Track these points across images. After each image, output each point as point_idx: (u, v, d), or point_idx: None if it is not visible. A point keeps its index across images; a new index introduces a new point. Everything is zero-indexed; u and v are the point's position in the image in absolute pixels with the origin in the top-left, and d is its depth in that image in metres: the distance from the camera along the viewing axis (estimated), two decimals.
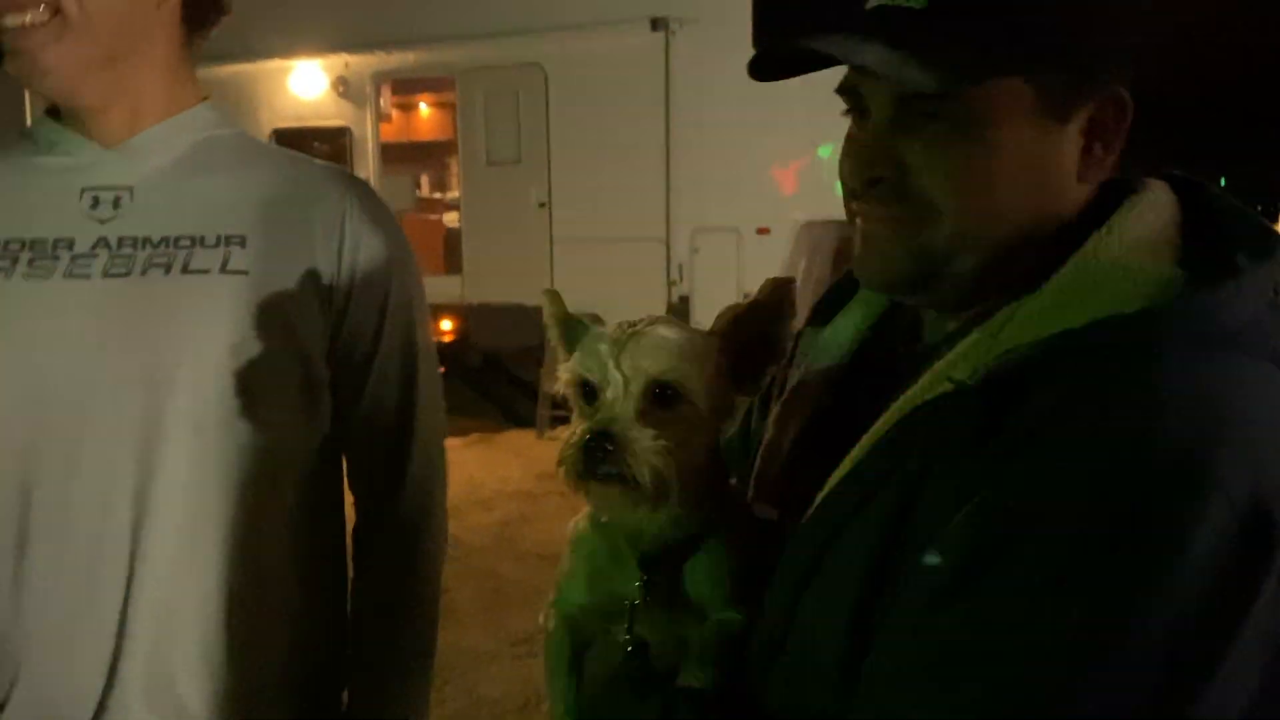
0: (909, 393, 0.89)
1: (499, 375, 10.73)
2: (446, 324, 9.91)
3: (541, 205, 9.14)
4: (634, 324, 0.99)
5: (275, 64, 9.85)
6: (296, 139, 9.94)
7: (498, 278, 9.40)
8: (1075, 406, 0.78)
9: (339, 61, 9.69)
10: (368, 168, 9.72)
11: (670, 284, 8.83)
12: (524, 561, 5.68)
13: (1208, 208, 0.90)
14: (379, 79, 9.70)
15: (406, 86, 10.94)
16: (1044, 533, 0.75)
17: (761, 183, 8.53)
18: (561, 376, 1.01)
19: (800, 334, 1.17)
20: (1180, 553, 0.71)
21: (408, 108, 12.82)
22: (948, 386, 0.85)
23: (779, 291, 1.02)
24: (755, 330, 1.03)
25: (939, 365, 0.89)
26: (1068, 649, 0.71)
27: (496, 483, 7.35)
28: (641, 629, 1.04)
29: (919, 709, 0.76)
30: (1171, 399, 0.76)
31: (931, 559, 0.79)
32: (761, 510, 1.09)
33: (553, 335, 1.07)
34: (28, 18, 1.17)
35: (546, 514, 6.51)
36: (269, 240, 1.32)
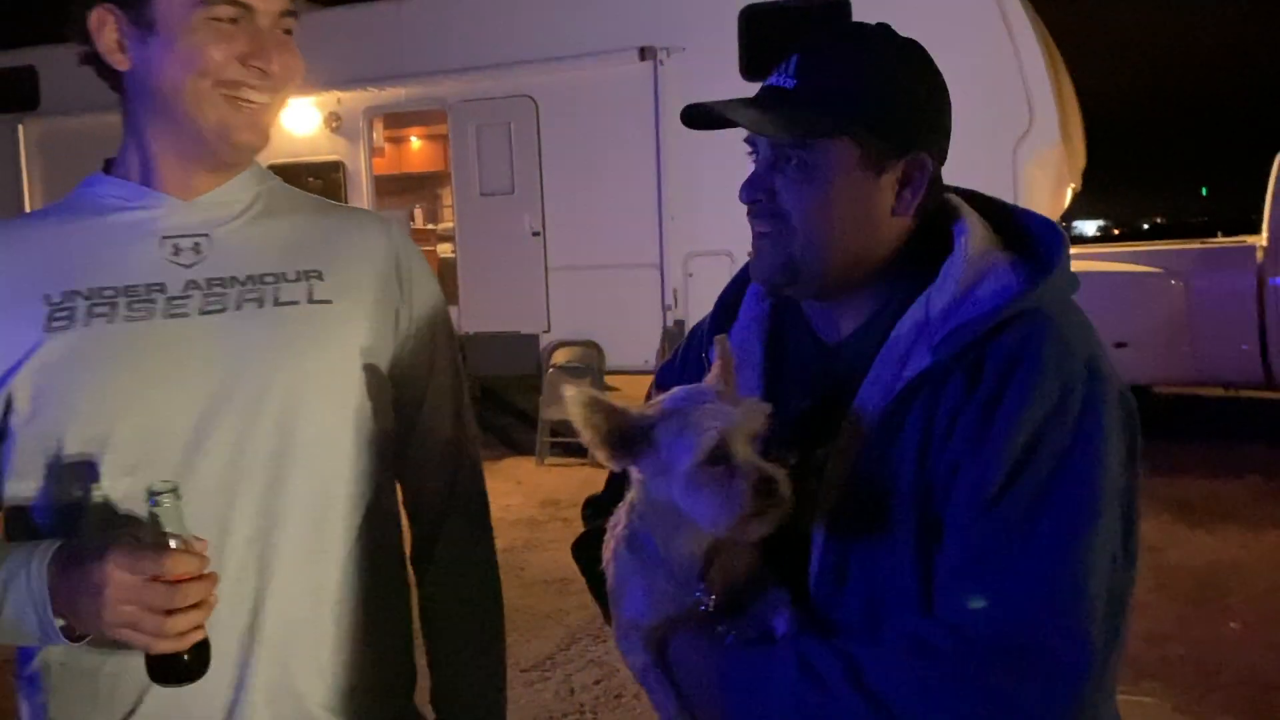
0: (877, 377, 1.24)
1: (497, 404, 10.79)
2: None
3: (535, 234, 9.22)
4: (701, 400, 1.22)
5: None
6: (291, 174, 9.91)
7: (493, 307, 9.46)
8: (1020, 367, 1.17)
9: (331, 98, 9.77)
10: (362, 200, 9.80)
11: (665, 309, 8.91)
12: (530, 589, 5.70)
13: (990, 210, 1.35)
14: (371, 114, 9.80)
15: (398, 120, 11.03)
16: (1049, 445, 1.14)
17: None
18: (701, 449, 1.19)
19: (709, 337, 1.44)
20: (1109, 442, 1.16)
21: (399, 140, 12.93)
22: (934, 364, 1.20)
23: (728, 346, 1.32)
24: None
25: (889, 353, 1.25)
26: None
27: (499, 511, 7.26)
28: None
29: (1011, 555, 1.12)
30: (1070, 345, 1.19)
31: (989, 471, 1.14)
32: None
33: (587, 427, 1.22)
34: (266, 98, 1.36)
35: (549, 541, 6.54)
36: (340, 274, 1.43)
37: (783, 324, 1.42)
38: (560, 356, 9.15)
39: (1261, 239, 8.28)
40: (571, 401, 1.20)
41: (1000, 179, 7.28)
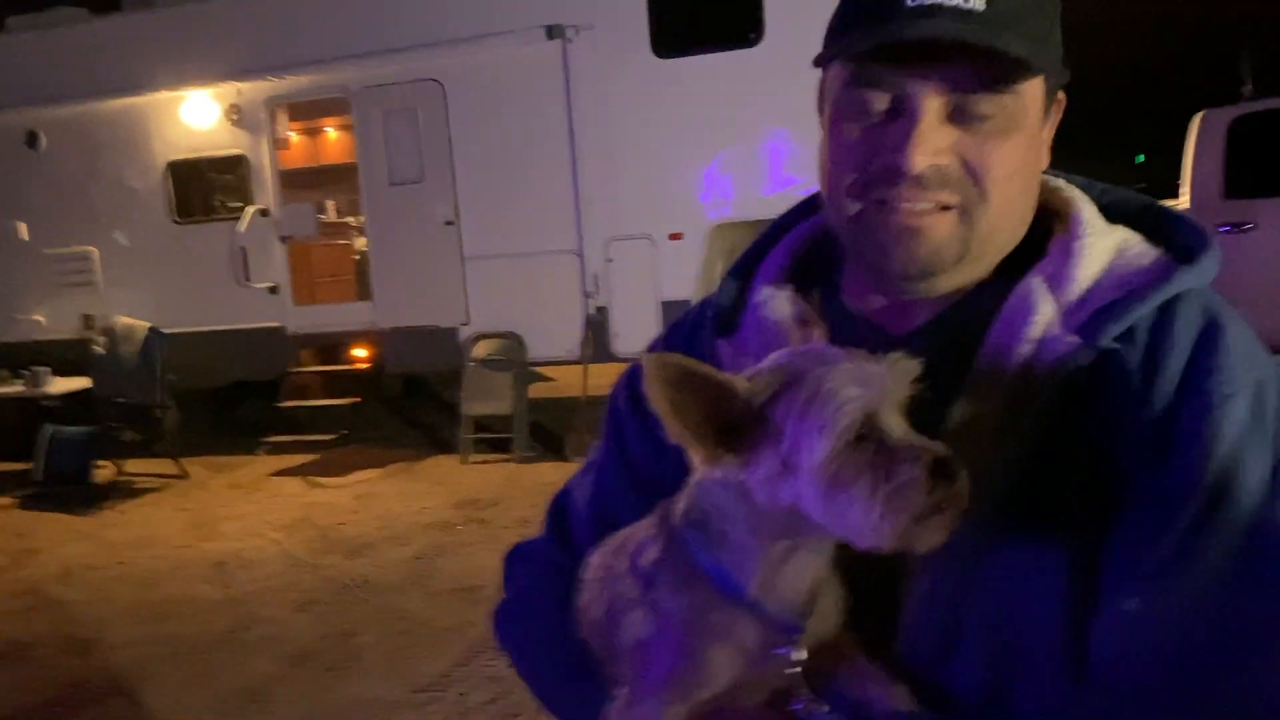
0: (994, 354, 0.99)
1: (423, 400, 10.47)
2: (361, 351, 9.62)
3: (449, 224, 8.89)
4: (829, 361, 0.90)
5: (166, 95, 9.51)
6: (192, 170, 9.62)
7: (409, 301, 9.14)
8: (1204, 360, 0.94)
9: (230, 89, 9.36)
10: (267, 195, 9.41)
11: (586, 296, 8.64)
12: (436, 599, 5.43)
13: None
14: (272, 104, 9.39)
15: (308, 110, 10.63)
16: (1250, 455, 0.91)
17: (671, 188, 8.37)
18: (841, 426, 0.86)
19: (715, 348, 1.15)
20: None
21: (314, 132, 12.50)
22: (1085, 349, 0.95)
23: None
24: None
25: (1004, 327, 1.00)
26: None
27: (413, 515, 7.09)
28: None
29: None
30: (1252, 339, 0.98)
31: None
32: None
33: (664, 404, 0.88)
34: None
35: (464, 545, 6.26)
36: None
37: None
38: (481, 349, 8.84)
39: (1180, 203, 8.17)
40: (651, 371, 0.86)
41: None
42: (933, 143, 0.96)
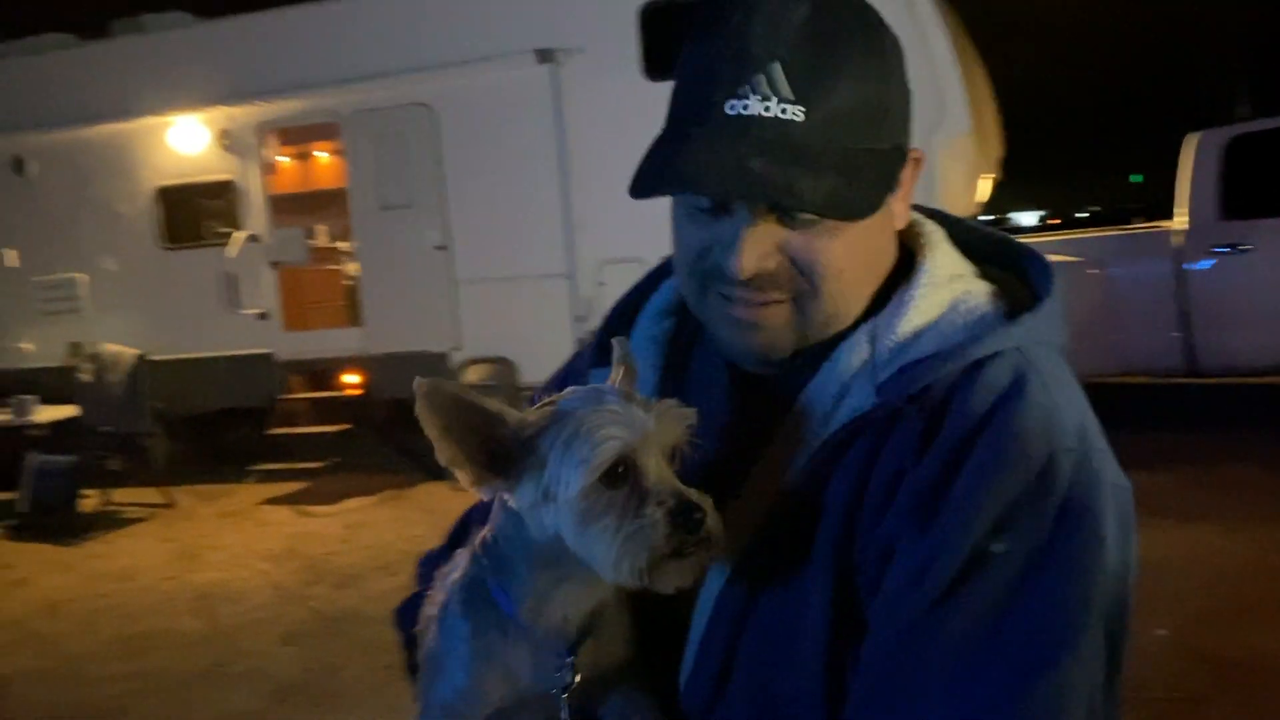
0: (802, 416, 0.98)
1: (410, 427, 10.36)
2: (351, 377, 9.54)
3: (439, 248, 8.83)
4: (599, 401, 0.94)
5: (155, 120, 9.47)
6: (181, 196, 9.56)
7: (400, 326, 9.07)
8: (990, 429, 0.89)
9: (221, 114, 9.32)
10: (257, 221, 9.35)
11: (578, 320, 8.57)
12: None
13: (962, 233, 1.10)
14: (263, 129, 9.35)
15: (299, 135, 10.59)
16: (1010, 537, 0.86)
17: (664, 210, 8.28)
18: (594, 463, 0.90)
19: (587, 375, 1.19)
20: (1103, 539, 0.87)
21: (305, 156, 12.45)
22: (878, 407, 0.93)
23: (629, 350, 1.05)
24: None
25: (820, 385, 0.99)
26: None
27: (404, 544, 6.98)
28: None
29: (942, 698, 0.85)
30: (1058, 403, 0.92)
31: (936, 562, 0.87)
32: None
33: (437, 433, 0.93)
34: None
35: None
36: None
37: (687, 347, 1.16)
38: (472, 374, 8.77)
39: (1175, 224, 8.13)
40: (422, 399, 0.91)
41: None
42: (758, 247, 0.95)
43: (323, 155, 12.49)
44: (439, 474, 7.68)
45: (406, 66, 8.61)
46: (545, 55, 8.29)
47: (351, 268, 10.50)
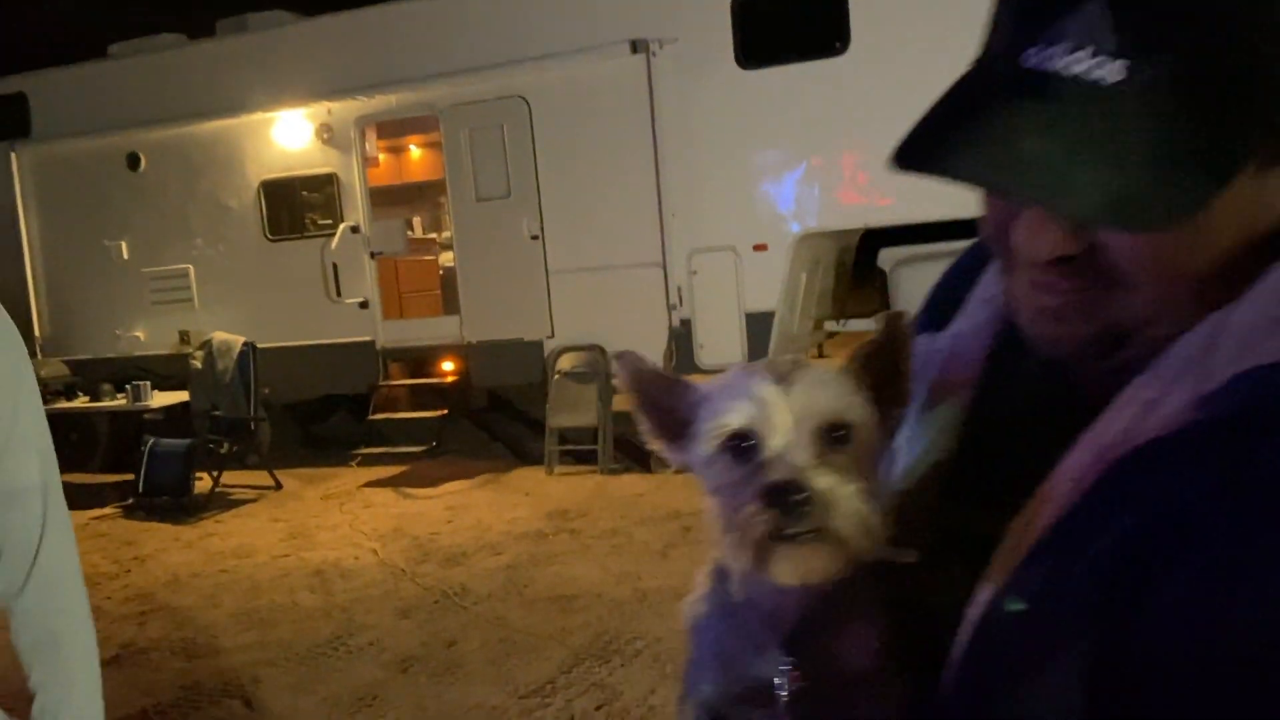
0: (1107, 422, 0.75)
1: (507, 414, 10.58)
2: (448, 365, 9.77)
3: (534, 238, 9.01)
4: (774, 364, 0.87)
5: (259, 116, 9.79)
6: (285, 189, 9.87)
7: (495, 314, 9.27)
8: None
9: (322, 109, 9.61)
10: (357, 212, 9.62)
11: (670, 308, 8.68)
12: (533, 608, 5.49)
13: None
14: (362, 123, 9.61)
15: (393, 129, 10.87)
16: None
17: (755, 199, 8.38)
18: (704, 435, 0.86)
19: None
20: None
21: (399, 150, 12.76)
22: (1170, 420, 0.70)
23: (896, 325, 0.90)
24: (882, 367, 0.91)
25: (1138, 387, 0.75)
26: None
27: (505, 525, 7.17)
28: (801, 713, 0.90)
29: None
30: None
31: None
32: (896, 553, 0.94)
33: (634, 403, 0.92)
34: None
35: (556, 555, 6.32)
36: None
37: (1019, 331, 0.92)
38: (565, 362, 8.93)
39: None
40: (621, 374, 0.92)
41: None
42: (1055, 232, 0.76)
43: (414, 148, 12.80)
44: (532, 459, 7.91)
45: (502, 60, 8.79)
46: (638, 46, 8.40)
47: (445, 257, 10.75)
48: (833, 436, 0.84)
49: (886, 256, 8.63)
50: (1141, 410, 0.74)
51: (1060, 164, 0.69)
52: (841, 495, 0.80)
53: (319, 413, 10.72)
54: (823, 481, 0.80)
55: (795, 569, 0.81)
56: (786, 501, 0.78)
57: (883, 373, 0.91)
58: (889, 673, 0.90)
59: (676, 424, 0.90)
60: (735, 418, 0.84)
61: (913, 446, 0.97)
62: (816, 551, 0.80)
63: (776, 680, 0.88)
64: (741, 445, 0.84)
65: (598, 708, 4.23)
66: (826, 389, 0.85)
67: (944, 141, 0.75)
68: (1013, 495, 0.81)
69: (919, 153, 0.77)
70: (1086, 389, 0.83)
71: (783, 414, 0.83)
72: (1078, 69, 0.69)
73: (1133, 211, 0.68)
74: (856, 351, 0.91)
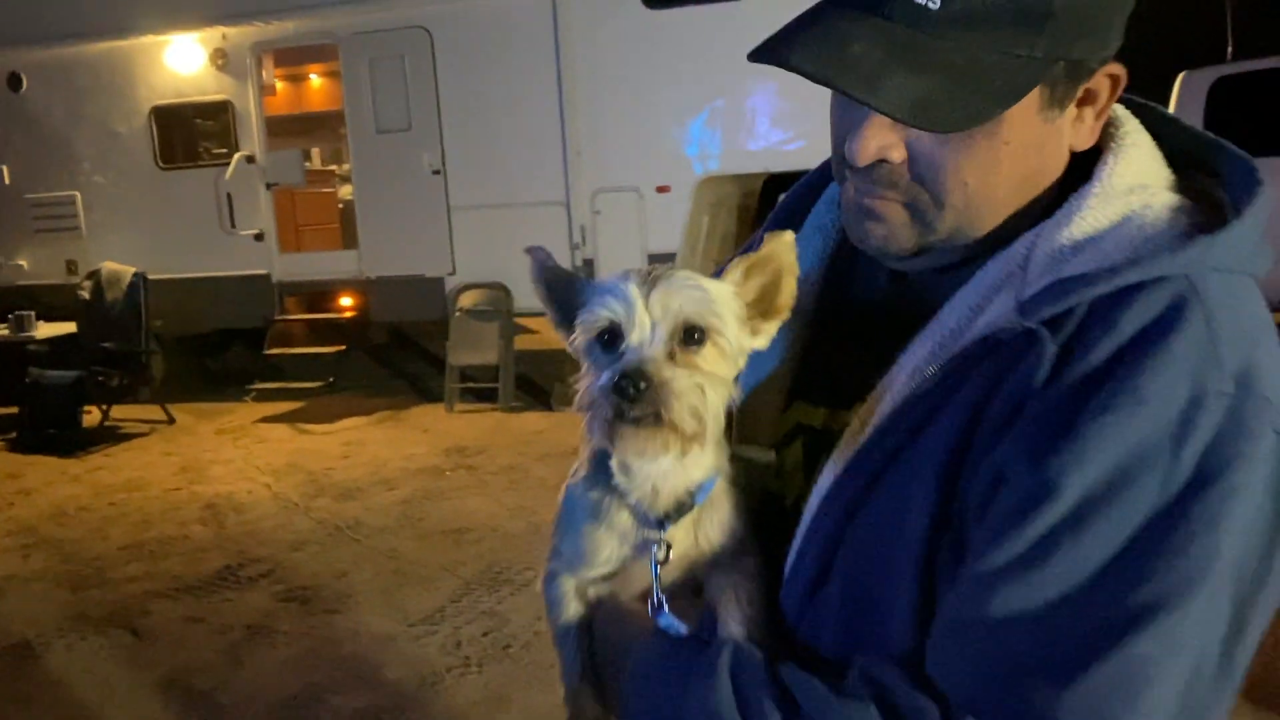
0: (939, 324, 0.93)
1: (408, 350, 10.52)
2: (347, 300, 9.66)
3: (435, 173, 8.91)
4: (651, 270, 0.99)
5: (150, 39, 9.43)
6: (177, 116, 9.56)
7: (396, 250, 9.16)
8: (1129, 359, 0.82)
9: (216, 33, 9.29)
10: (253, 142, 9.38)
11: (574, 247, 8.70)
12: (426, 540, 5.55)
13: (1177, 137, 0.98)
14: (259, 49, 9.33)
15: (292, 56, 10.57)
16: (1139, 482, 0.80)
17: (659, 140, 8.41)
18: (580, 326, 0.99)
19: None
20: (1242, 492, 0.79)
21: (298, 79, 12.43)
22: (1014, 324, 0.86)
23: (779, 244, 1.03)
24: (763, 282, 1.04)
25: (965, 294, 0.92)
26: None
27: (402, 460, 7.19)
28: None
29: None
30: (1220, 339, 0.82)
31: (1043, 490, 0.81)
32: (748, 451, 1.12)
33: (540, 294, 1.05)
34: None
35: (451, 490, 6.37)
36: None
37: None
38: (467, 300, 8.90)
39: None
40: (532, 269, 1.04)
41: None
42: (880, 137, 0.91)
43: (314, 78, 12.47)
44: (432, 396, 7.90)
45: None
46: None
47: (345, 190, 10.56)
48: (691, 337, 0.97)
49: None
50: (970, 313, 0.91)
51: (878, 67, 0.83)
52: (681, 387, 0.93)
53: (214, 347, 10.50)
54: (665, 374, 0.93)
55: (636, 448, 0.95)
56: (630, 388, 0.91)
57: (763, 287, 1.04)
58: (745, 548, 1.05)
59: (573, 316, 1.01)
60: (605, 313, 0.96)
61: (767, 353, 1.09)
62: (655, 434, 0.93)
63: (654, 550, 1.03)
64: (607, 338, 0.97)
65: (484, 634, 4.33)
66: (687, 294, 0.97)
67: (790, 40, 0.88)
68: (854, 391, 0.98)
69: (767, 48, 0.89)
70: (916, 296, 0.99)
71: (642, 313, 0.95)
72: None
73: (929, 113, 0.83)
74: (736, 264, 1.04)
